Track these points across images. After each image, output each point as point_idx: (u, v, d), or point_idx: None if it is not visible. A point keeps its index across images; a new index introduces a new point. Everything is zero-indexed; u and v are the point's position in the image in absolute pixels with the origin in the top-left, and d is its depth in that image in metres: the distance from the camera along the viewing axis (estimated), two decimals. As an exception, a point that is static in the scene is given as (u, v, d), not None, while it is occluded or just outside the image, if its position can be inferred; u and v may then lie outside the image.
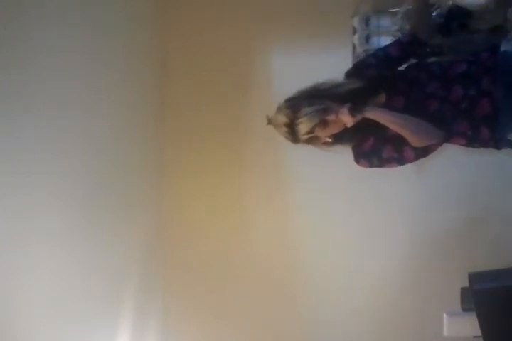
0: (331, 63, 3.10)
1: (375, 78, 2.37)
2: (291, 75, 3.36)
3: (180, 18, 3.61)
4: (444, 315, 2.81)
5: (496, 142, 2.31)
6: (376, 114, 2.24)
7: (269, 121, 2.31)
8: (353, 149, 2.40)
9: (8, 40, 2.48)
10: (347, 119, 2.21)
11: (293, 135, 2.27)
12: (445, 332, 2.82)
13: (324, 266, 3.50)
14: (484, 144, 2.34)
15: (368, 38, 3.19)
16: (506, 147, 2.36)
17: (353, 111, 2.19)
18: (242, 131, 3.56)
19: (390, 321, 3.40)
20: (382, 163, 2.37)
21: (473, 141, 2.32)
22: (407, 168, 3.32)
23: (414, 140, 2.27)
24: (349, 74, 2.47)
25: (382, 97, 2.32)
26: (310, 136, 2.26)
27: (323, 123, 2.23)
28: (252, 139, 3.54)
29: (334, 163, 3.35)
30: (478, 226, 3.26)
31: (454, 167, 3.29)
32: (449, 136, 2.31)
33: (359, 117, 2.21)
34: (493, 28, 2.83)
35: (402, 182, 3.37)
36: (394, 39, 3.07)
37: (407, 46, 2.45)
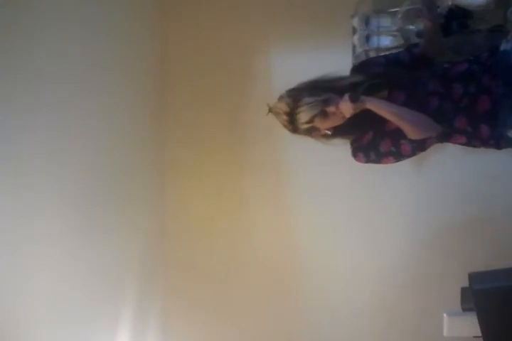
0: (330, 63, 3.09)
1: (380, 75, 2.39)
2: (291, 75, 3.33)
3: (181, 17, 3.61)
4: (444, 315, 2.80)
5: (497, 141, 2.32)
6: (375, 104, 2.26)
7: (270, 109, 2.33)
8: (352, 144, 2.41)
9: (8, 41, 2.48)
10: (347, 107, 2.22)
11: (292, 124, 2.29)
12: (445, 332, 2.81)
13: (325, 266, 3.50)
14: (484, 143, 2.34)
15: (368, 38, 3.18)
16: (507, 146, 2.36)
17: (353, 97, 2.21)
18: (243, 130, 3.56)
19: (390, 321, 3.40)
20: (380, 157, 2.38)
21: (472, 138, 2.33)
22: (408, 167, 3.33)
23: (412, 132, 2.28)
24: (355, 70, 2.50)
25: (385, 94, 2.34)
26: (309, 126, 2.27)
27: (323, 115, 2.25)
28: (253, 139, 3.54)
29: (335, 162, 3.35)
30: (478, 226, 3.26)
31: (455, 167, 3.29)
32: (448, 133, 2.32)
33: (359, 106, 2.23)
34: (493, 28, 2.83)
35: (403, 183, 3.37)
36: (394, 39, 3.09)
37: (416, 57, 2.47)
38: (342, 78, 2.37)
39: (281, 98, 2.31)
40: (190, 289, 3.66)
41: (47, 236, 2.70)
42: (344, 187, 3.44)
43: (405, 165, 3.22)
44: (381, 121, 2.29)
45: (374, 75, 2.38)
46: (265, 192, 3.57)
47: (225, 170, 3.61)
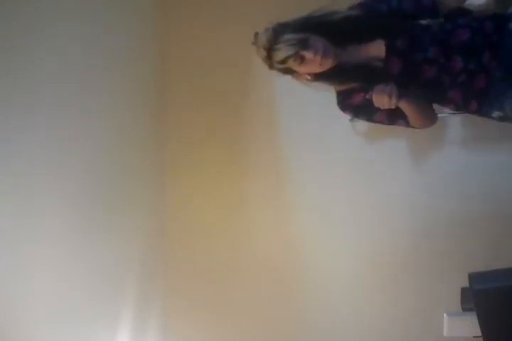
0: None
1: (378, 18, 2.23)
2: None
3: (181, 17, 3.61)
4: (444, 315, 2.80)
5: (480, 115, 2.31)
6: (406, 105, 2.20)
7: (255, 40, 2.21)
8: (338, 96, 2.33)
9: (8, 41, 2.48)
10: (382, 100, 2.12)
11: (270, 60, 2.19)
12: (445, 332, 2.81)
13: (325, 265, 3.50)
14: (469, 112, 2.33)
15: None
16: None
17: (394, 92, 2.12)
18: (243, 130, 3.56)
19: (391, 321, 3.40)
20: (371, 121, 2.35)
21: (460, 109, 2.33)
22: (408, 167, 3.33)
23: (417, 123, 2.31)
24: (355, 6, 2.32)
25: (381, 46, 2.19)
26: (283, 66, 2.17)
27: (299, 58, 2.13)
28: (253, 138, 3.54)
29: (335, 161, 3.35)
30: (478, 226, 3.26)
31: (455, 167, 3.29)
32: (439, 103, 2.32)
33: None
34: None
35: (402, 183, 3.37)
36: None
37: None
38: (336, 12, 2.20)
39: (266, 30, 2.18)
40: (190, 289, 3.66)
41: (47, 236, 2.70)
42: (344, 187, 3.44)
43: (406, 166, 3.23)
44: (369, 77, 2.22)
45: (370, 14, 2.22)
46: (265, 192, 3.57)
47: (225, 170, 3.61)
